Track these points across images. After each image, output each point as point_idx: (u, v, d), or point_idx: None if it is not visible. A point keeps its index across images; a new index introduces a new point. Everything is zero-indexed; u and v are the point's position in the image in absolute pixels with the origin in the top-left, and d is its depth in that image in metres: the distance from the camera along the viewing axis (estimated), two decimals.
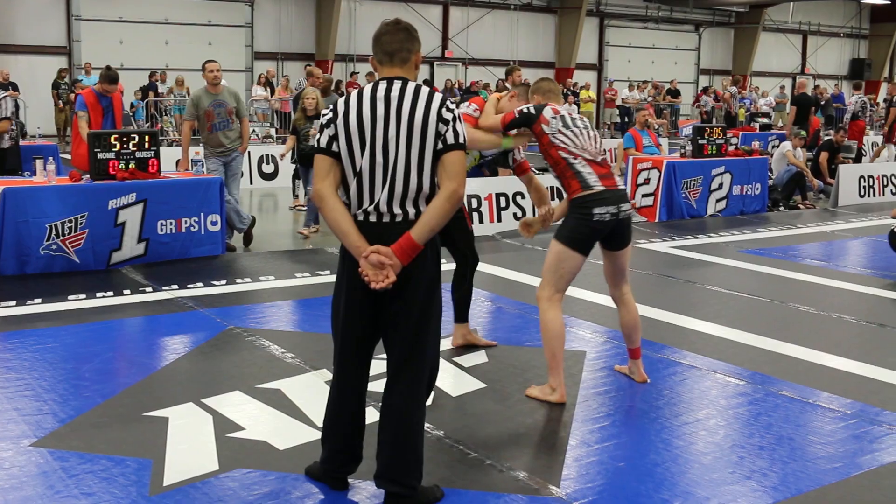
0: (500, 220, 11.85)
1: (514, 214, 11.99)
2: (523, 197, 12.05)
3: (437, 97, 3.94)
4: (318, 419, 5.18)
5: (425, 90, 3.95)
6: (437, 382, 5.84)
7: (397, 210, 3.92)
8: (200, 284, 8.47)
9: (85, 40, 26.68)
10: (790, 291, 8.84)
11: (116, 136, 9.22)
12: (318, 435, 4.97)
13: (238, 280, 8.73)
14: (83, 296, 7.99)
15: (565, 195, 5.69)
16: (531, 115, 5.70)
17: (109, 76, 10.47)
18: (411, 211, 3.92)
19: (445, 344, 6.51)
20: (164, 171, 9.70)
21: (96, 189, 8.97)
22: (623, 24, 38.60)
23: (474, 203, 11.60)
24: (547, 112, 5.68)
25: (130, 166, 9.19)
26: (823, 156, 16.77)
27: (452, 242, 6.48)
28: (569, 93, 31.38)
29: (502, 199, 11.91)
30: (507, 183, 11.79)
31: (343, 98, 4.02)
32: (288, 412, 5.33)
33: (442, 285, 4.14)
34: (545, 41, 36.33)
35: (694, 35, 41.13)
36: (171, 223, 9.42)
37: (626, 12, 38.07)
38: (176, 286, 8.37)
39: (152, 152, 9.34)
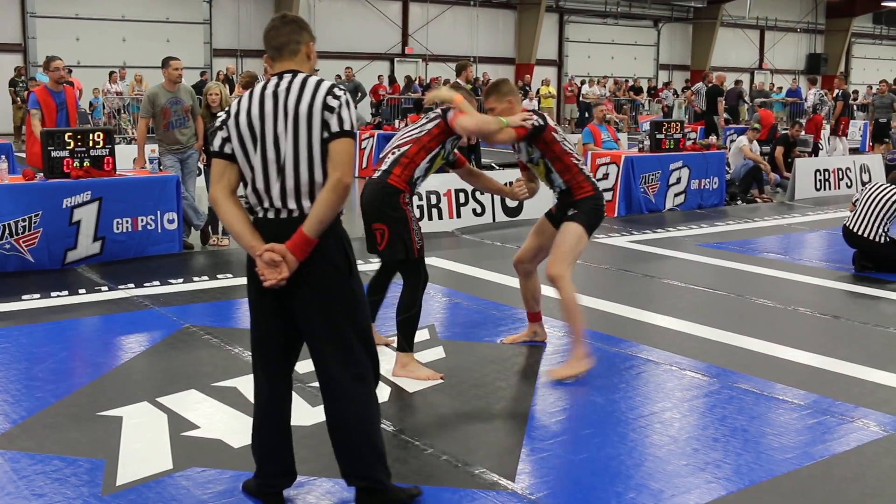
0: (459, 215, 11.85)
1: (474, 210, 12.00)
2: (482, 193, 12.06)
3: (325, 85, 3.82)
4: None
5: (313, 80, 3.85)
6: (396, 379, 5.88)
7: (292, 205, 3.82)
8: (157, 283, 8.40)
9: (41, 37, 26.37)
10: (747, 284, 8.91)
11: (71, 133, 9.12)
12: None
13: (195, 278, 8.67)
14: (37, 295, 7.91)
15: (571, 194, 6.09)
16: (542, 127, 5.93)
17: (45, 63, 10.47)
18: (306, 205, 3.81)
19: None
20: (120, 169, 9.60)
21: (50, 187, 8.87)
22: (582, 19, 38.73)
23: (433, 199, 11.59)
24: (549, 121, 6.01)
25: (85, 164, 9.10)
26: (779, 150, 16.93)
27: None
28: (528, 89, 31.44)
29: (461, 195, 11.91)
30: None
31: (236, 101, 3.95)
32: (244, 410, 5.29)
33: (359, 275, 4.03)
34: (505, 37, 36.38)
35: (653, 31, 41.37)
36: (127, 221, 9.33)
37: (585, 8, 38.21)
38: (132, 285, 8.30)
39: (107, 150, 9.25)
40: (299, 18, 4.01)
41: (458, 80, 13.55)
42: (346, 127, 3.79)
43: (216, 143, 3.92)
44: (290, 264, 3.76)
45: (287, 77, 3.87)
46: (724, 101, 20.74)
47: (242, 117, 3.85)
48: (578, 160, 6.09)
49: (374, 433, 4.00)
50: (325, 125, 3.77)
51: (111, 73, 24.72)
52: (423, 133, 5.92)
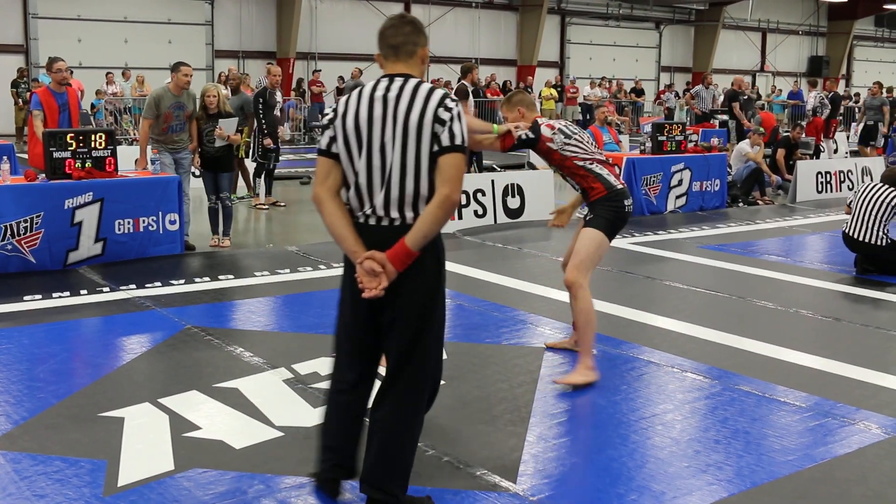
0: (460, 217, 11.85)
1: (475, 212, 12.01)
2: (484, 194, 12.08)
3: (437, 95, 3.74)
4: (276, 418, 5.19)
5: (425, 87, 3.77)
6: None
7: (395, 214, 3.77)
8: (158, 284, 8.40)
9: (42, 39, 26.37)
10: (749, 287, 8.91)
11: (73, 134, 9.12)
12: (275, 434, 5.00)
13: (196, 279, 8.67)
14: (39, 296, 7.91)
15: (587, 196, 6.08)
16: (532, 140, 5.94)
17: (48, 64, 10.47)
18: (409, 215, 3.76)
19: None
20: (121, 170, 9.60)
21: (52, 188, 8.88)
22: (584, 21, 38.73)
23: None
24: (545, 131, 5.95)
25: (87, 165, 9.10)
26: (780, 152, 16.92)
27: None
28: (529, 91, 31.44)
29: (463, 197, 11.90)
30: (468, 181, 11.79)
31: (344, 98, 3.88)
32: (245, 411, 5.30)
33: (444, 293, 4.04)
34: (507, 39, 36.38)
35: (654, 33, 41.36)
36: (128, 222, 9.33)
37: (587, 10, 38.22)
38: (134, 286, 8.30)
39: (109, 151, 9.25)
40: (417, 20, 3.97)
41: (465, 82, 13.52)
42: (458, 141, 3.72)
43: (323, 141, 3.87)
44: (388, 275, 3.72)
45: (398, 81, 3.80)
46: (738, 105, 20.60)
47: (350, 119, 3.79)
48: (586, 161, 5.98)
49: (409, 448, 3.97)
50: (435, 138, 3.70)
51: (107, 74, 24.71)
52: None
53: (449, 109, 3.72)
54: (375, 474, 3.93)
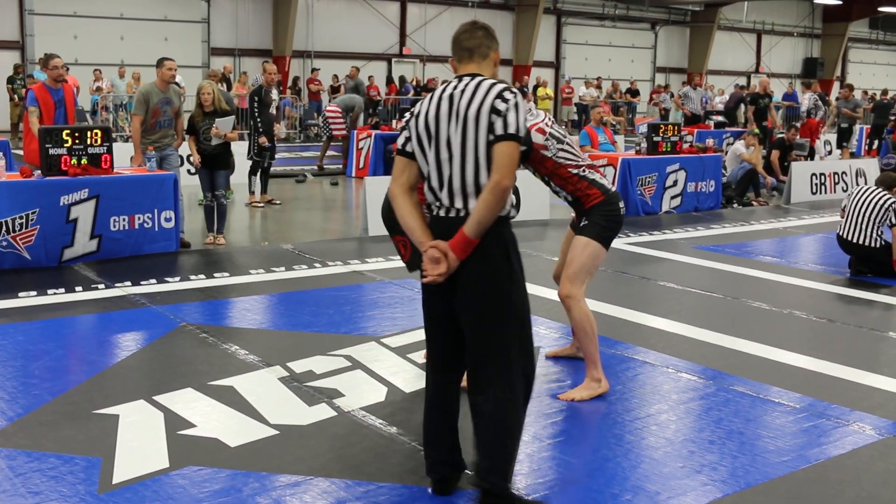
0: None
1: None
2: None
3: (496, 88, 3.88)
4: (271, 416, 5.19)
5: (487, 83, 3.92)
6: (392, 379, 5.89)
7: (458, 204, 3.92)
8: (154, 281, 8.40)
9: (39, 35, 26.31)
10: (743, 287, 8.93)
11: (68, 131, 9.11)
12: (270, 432, 5.00)
13: (192, 277, 8.67)
14: (34, 293, 7.90)
15: (581, 203, 5.72)
16: (524, 153, 5.54)
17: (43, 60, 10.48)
18: (472, 205, 3.89)
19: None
20: (117, 166, 9.59)
21: (48, 185, 8.86)
22: (580, 21, 38.74)
23: None
24: (537, 138, 5.62)
25: (83, 162, 9.08)
26: (775, 154, 16.95)
27: None
28: (525, 91, 31.47)
29: None
30: None
31: (421, 102, 4.08)
32: (240, 409, 5.30)
33: (524, 283, 4.08)
34: (503, 38, 36.15)
35: (650, 33, 41.39)
36: (124, 219, 9.32)
37: (582, 10, 38.23)
38: (129, 283, 8.30)
39: (105, 148, 9.24)
40: (489, 26, 4.18)
41: None
42: (511, 130, 3.82)
43: (400, 140, 4.09)
44: (450, 262, 3.84)
45: (466, 80, 3.98)
46: (753, 109, 20.47)
47: (421, 118, 4.00)
48: (580, 167, 5.67)
49: (504, 439, 4.00)
50: (490, 127, 3.83)
51: (95, 70, 24.63)
52: None
53: (506, 101, 3.85)
54: (480, 465, 4.04)
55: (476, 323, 3.94)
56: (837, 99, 22.35)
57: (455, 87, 3.96)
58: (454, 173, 3.91)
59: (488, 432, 3.97)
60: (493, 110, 3.83)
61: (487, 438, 3.98)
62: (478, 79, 3.96)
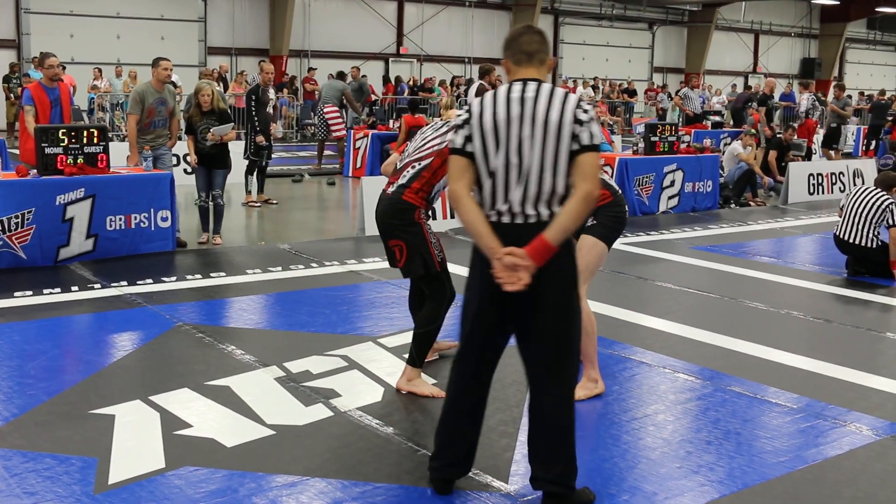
0: (453, 216, 11.83)
1: None
2: None
3: (572, 98, 3.90)
4: (268, 416, 5.18)
5: (560, 91, 3.92)
6: (389, 379, 5.89)
7: (531, 211, 3.88)
8: (150, 281, 8.38)
9: (35, 33, 26.28)
10: (741, 288, 8.92)
11: (64, 130, 9.09)
12: (266, 432, 4.98)
13: (188, 276, 8.65)
14: (30, 292, 7.88)
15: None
16: None
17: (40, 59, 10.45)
18: (544, 212, 3.88)
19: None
20: (113, 166, 9.57)
21: (43, 184, 8.84)
22: (577, 21, 38.76)
23: None
24: None
25: (79, 161, 9.06)
26: (772, 154, 16.95)
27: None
28: None
29: None
30: None
31: (477, 100, 4.00)
32: (237, 409, 5.29)
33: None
34: (500, 38, 35.75)
35: (647, 33, 41.41)
36: (120, 219, 9.30)
37: (580, 10, 38.26)
38: (125, 282, 8.28)
39: (101, 147, 9.22)
40: (544, 31, 4.13)
41: (483, 83, 13.24)
42: (596, 141, 3.87)
43: (458, 140, 3.97)
44: (529, 270, 3.79)
45: (532, 84, 3.93)
46: (763, 110, 20.37)
47: (487, 118, 3.90)
48: None
49: (573, 439, 4.07)
50: (574, 137, 3.83)
51: (95, 69, 24.57)
52: (444, 144, 5.61)
53: (586, 111, 3.90)
54: (552, 468, 4.04)
55: (549, 329, 3.96)
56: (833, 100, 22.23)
57: (523, 91, 3.91)
58: (530, 179, 3.85)
59: (558, 438, 4.03)
60: (576, 120, 3.84)
61: (557, 443, 4.03)
62: (546, 86, 3.94)
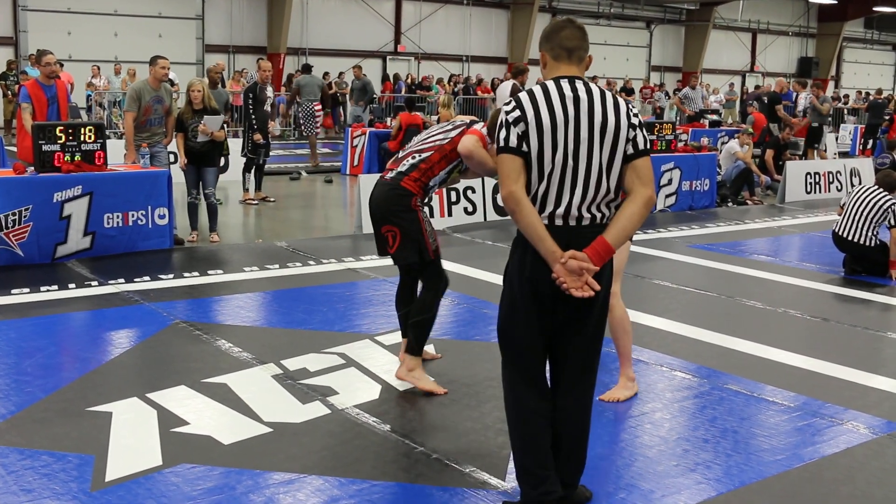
0: (450, 214, 11.84)
1: (465, 209, 11.99)
2: (474, 191, 12.07)
3: (622, 101, 3.83)
4: (265, 414, 5.18)
5: (608, 92, 3.83)
6: (386, 377, 5.89)
7: (586, 213, 3.77)
8: (147, 278, 8.37)
9: (32, 31, 26.25)
10: (738, 286, 8.93)
11: (62, 127, 9.08)
12: (263, 430, 4.98)
13: (185, 274, 8.64)
14: (27, 290, 7.87)
15: None
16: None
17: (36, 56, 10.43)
18: (598, 215, 3.78)
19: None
20: (111, 163, 9.56)
21: (41, 182, 8.83)
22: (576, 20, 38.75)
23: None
24: None
25: (76, 158, 9.06)
26: (769, 153, 16.96)
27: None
28: (521, 88, 31.48)
29: (453, 194, 11.90)
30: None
31: (526, 95, 3.79)
32: (234, 407, 5.29)
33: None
34: (498, 36, 36.38)
35: (645, 32, 41.42)
36: (117, 216, 9.29)
37: (578, 8, 38.22)
38: (122, 280, 8.27)
39: (98, 144, 9.21)
40: (584, 27, 3.97)
41: (516, 83, 13.16)
42: (648, 145, 3.85)
43: (512, 138, 3.74)
44: (590, 273, 3.70)
45: (580, 84, 3.79)
46: (781, 108, 20.18)
47: (545, 118, 3.71)
48: None
49: (587, 441, 4.08)
50: (630, 141, 3.77)
51: (93, 67, 24.57)
52: (446, 141, 5.65)
53: (636, 115, 3.85)
54: (565, 467, 4.00)
55: (588, 332, 3.90)
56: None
57: (574, 91, 3.76)
58: (590, 182, 3.73)
59: (579, 439, 4.01)
60: (630, 124, 3.78)
61: (576, 444, 4.01)
62: (593, 86, 3.82)
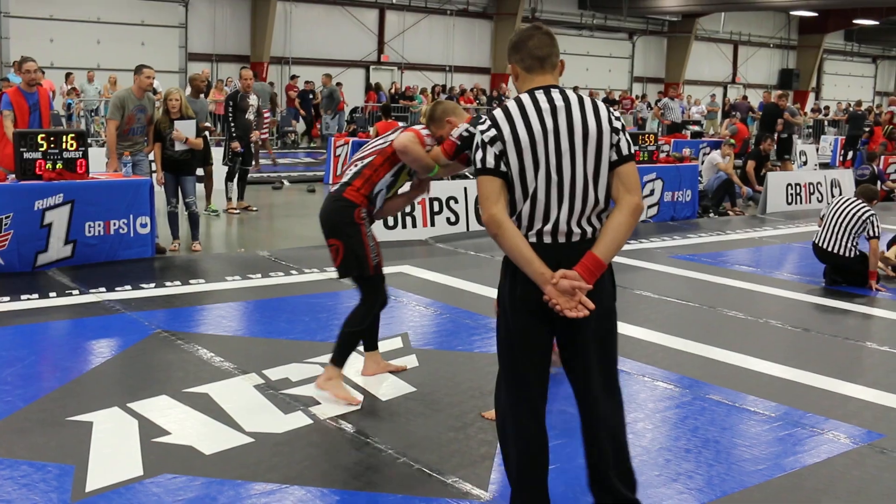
0: (433, 224, 11.84)
1: (448, 219, 12.00)
2: (457, 202, 12.08)
3: (602, 105, 3.66)
4: (246, 424, 5.16)
5: (587, 98, 3.67)
6: (368, 387, 5.88)
7: (576, 229, 3.60)
8: (128, 287, 8.34)
9: (14, 38, 26.12)
10: (719, 297, 8.96)
11: (43, 135, 9.04)
12: (245, 440, 4.96)
13: (167, 283, 8.61)
14: (7, 298, 7.82)
15: None
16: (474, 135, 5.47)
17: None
18: (588, 229, 3.61)
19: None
20: (93, 171, 9.53)
21: (22, 189, 8.79)
22: (558, 31, 38.81)
23: (408, 208, 11.57)
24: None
25: (58, 166, 9.02)
26: (751, 164, 17.04)
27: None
28: (503, 98, 31.58)
29: (436, 204, 11.91)
30: (441, 188, 11.80)
31: (500, 112, 3.64)
32: (215, 417, 5.27)
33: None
34: (481, 47, 36.45)
35: (628, 43, 41.57)
36: (99, 225, 9.26)
37: (560, 19, 38.33)
38: (103, 289, 8.23)
39: (80, 152, 9.18)
40: (550, 31, 3.83)
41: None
42: (632, 150, 3.68)
43: (489, 159, 3.59)
44: (582, 291, 3.51)
45: (556, 92, 3.65)
46: (782, 124, 20.06)
47: (522, 133, 3.56)
48: None
49: (629, 462, 3.92)
50: (614, 147, 3.61)
51: (67, 75, 24.46)
52: (386, 144, 5.61)
53: (618, 118, 3.68)
54: (619, 475, 3.87)
55: (600, 345, 3.71)
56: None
57: (551, 101, 3.61)
58: (576, 195, 3.57)
59: (619, 443, 3.86)
60: (613, 129, 3.62)
61: (625, 457, 3.88)
62: (571, 92, 3.66)
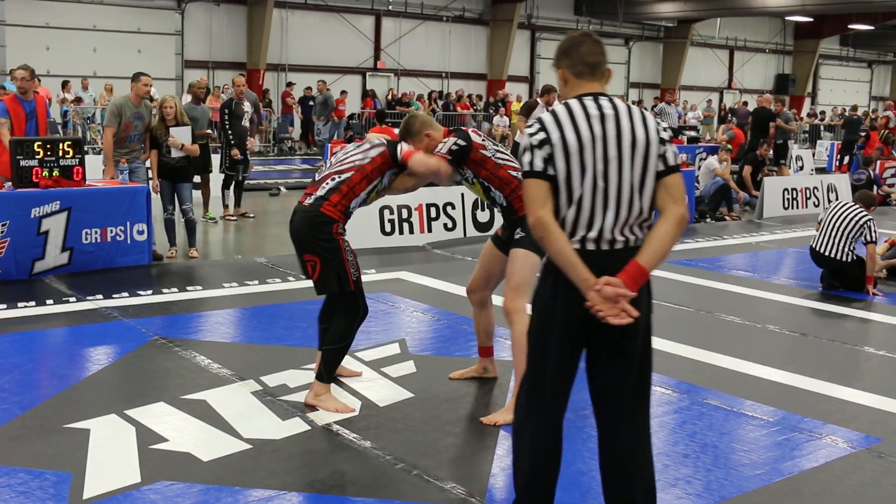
0: (430, 230, 11.84)
1: (445, 225, 11.99)
2: (454, 207, 12.08)
3: (650, 116, 3.67)
4: (244, 431, 5.16)
5: (636, 108, 3.69)
6: (366, 393, 5.88)
7: (619, 237, 3.59)
8: (126, 294, 8.33)
9: (10, 46, 26.11)
10: (717, 302, 8.96)
11: (40, 143, 9.04)
12: (243, 446, 4.95)
13: (164, 290, 8.60)
14: (4, 306, 7.81)
15: (513, 210, 5.56)
16: (465, 148, 5.47)
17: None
18: (632, 237, 3.60)
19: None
20: (89, 179, 9.52)
21: (18, 197, 8.78)
22: (554, 36, 38.85)
23: (404, 213, 11.59)
24: (475, 137, 5.53)
25: (55, 174, 9.02)
26: (747, 169, 17.06)
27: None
28: (499, 104, 31.67)
29: (433, 210, 11.91)
30: (438, 194, 11.80)
31: (549, 116, 3.63)
32: (213, 423, 5.26)
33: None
34: (477, 53, 36.47)
35: (624, 49, 41.62)
36: (96, 232, 9.25)
37: (557, 25, 38.37)
38: (100, 296, 8.22)
39: (77, 160, 9.17)
40: (601, 40, 3.80)
41: (539, 100, 13.04)
42: (679, 161, 3.70)
43: (537, 162, 3.58)
44: (626, 299, 3.49)
45: (605, 100, 3.65)
46: (774, 128, 19.96)
47: (571, 138, 3.55)
48: (519, 171, 5.10)
49: (652, 477, 3.82)
50: (661, 158, 3.61)
51: (64, 83, 24.47)
52: (366, 161, 5.52)
53: (666, 130, 3.69)
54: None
55: (636, 357, 3.68)
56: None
57: (599, 108, 3.60)
58: (622, 203, 3.57)
59: (646, 469, 3.77)
60: (660, 140, 3.62)
61: (647, 474, 3.78)
62: (619, 101, 3.67)
